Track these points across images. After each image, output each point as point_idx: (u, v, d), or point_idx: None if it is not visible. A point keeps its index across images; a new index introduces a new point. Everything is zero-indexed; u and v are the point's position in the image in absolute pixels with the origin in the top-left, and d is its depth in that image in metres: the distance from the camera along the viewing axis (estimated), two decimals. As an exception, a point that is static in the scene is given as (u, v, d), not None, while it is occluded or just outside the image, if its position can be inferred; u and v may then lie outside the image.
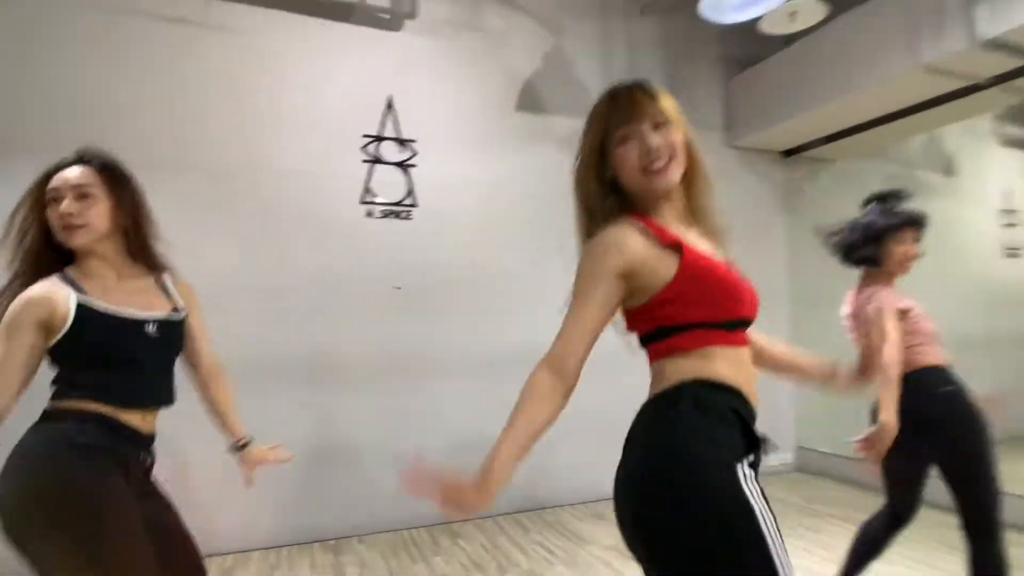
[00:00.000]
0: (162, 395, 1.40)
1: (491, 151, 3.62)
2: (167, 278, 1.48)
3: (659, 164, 1.07)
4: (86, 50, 2.85)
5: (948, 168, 4.95)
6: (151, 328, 1.36)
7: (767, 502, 0.99)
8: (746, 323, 1.11)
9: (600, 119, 1.12)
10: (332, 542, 3.04)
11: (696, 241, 1.11)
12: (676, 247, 1.04)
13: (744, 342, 1.10)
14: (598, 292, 1.04)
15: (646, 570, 1.05)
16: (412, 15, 3.49)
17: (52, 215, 1.31)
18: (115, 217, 1.36)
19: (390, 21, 3.45)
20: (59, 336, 1.26)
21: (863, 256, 2.05)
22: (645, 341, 1.11)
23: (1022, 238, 4.91)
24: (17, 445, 1.24)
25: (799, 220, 4.49)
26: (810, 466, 4.25)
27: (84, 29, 2.85)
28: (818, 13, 3.03)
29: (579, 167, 1.15)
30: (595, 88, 3.89)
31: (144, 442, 1.37)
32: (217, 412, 1.59)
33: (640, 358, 1.13)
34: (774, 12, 3.00)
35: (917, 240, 2.04)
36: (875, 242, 2.02)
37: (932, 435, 1.90)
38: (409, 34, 3.48)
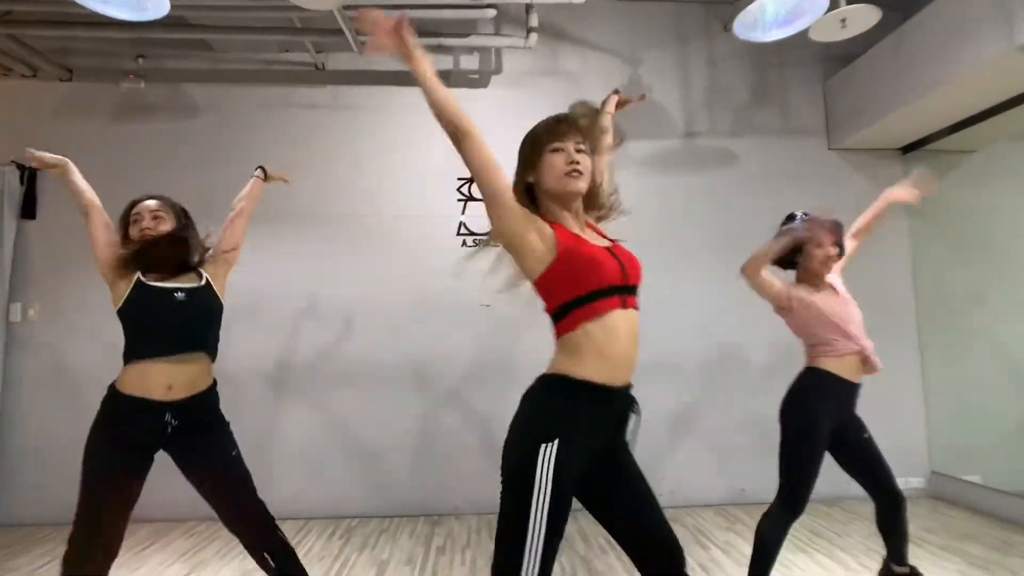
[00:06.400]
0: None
1: (572, 180, 4.01)
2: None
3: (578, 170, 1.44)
4: (257, 133, 3.92)
5: None
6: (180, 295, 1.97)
7: (563, 482, 1.25)
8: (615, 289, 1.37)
9: (537, 138, 1.51)
10: (435, 517, 3.68)
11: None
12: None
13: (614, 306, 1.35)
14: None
15: None
16: (498, 71, 4.07)
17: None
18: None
19: (479, 79, 4.06)
20: None
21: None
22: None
23: None
24: None
25: (925, 221, 4.09)
26: (945, 493, 3.83)
27: (258, 119, 3.93)
28: (871, 18, 2.91)
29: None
30: (673, 108, 4.12)
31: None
32: None
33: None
34: (822, 21, 2.96)
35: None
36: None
37: None
38: (495, 88, 4.06)
